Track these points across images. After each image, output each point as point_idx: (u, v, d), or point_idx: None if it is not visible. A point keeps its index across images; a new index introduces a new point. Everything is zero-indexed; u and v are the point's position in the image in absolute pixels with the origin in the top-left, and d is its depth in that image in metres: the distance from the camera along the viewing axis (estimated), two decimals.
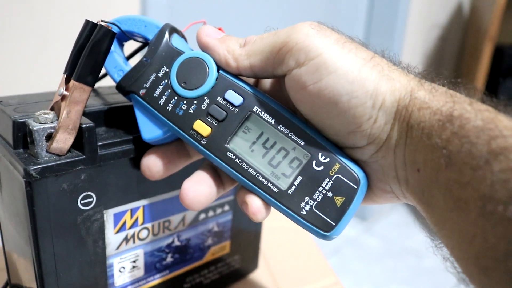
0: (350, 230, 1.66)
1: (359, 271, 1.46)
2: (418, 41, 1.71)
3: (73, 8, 0.83)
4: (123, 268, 0.32)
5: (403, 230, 1.71)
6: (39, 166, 0.24)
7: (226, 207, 0.38)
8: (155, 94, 0.27)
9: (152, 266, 0.34)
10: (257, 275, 0.44)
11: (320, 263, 0.49)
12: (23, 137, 0.27)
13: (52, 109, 0.27)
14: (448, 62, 1.95)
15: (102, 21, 0.26)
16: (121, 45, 0.30)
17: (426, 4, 1.67)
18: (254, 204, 0.25)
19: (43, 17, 0.80)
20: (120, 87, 0.28)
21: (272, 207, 0.26)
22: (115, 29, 0.29)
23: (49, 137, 0.26)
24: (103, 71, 0.30)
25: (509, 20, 1.76)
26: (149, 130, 0.27)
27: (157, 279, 0.35)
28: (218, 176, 0.27)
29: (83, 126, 0.26)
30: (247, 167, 0.25)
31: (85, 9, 0.85)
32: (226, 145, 0.26)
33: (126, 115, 0.30)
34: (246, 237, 0.41)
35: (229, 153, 0.26)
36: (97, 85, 0.34)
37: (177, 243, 0.35)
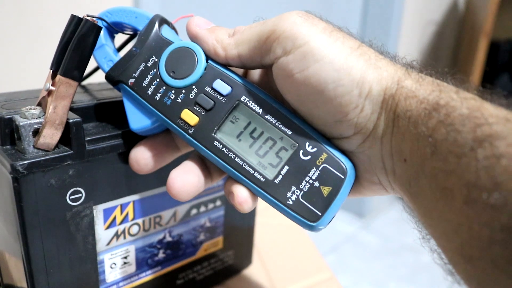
0: (348, 227, 1.66)
1: (358, 268, 1.46)
2: (414, 38, 1.71)
3: (63, 3, 0.83)
4: (114, 264, 0.32)
5: (401, 226, 1.71)
6: (26, 162, 0.24)
7: (218, 202, 0.38)
8: (143, 84, 0.27)
9: (143, 262, 0.34)
10: (251, 271, 0.44)
11: (315, 258, 0.49)
12: (10, 133, 0.26)
13: (39, 104, 0.27)
14: (444, 58, 1.95)
15: (87, 15, 0.26)
16: (112, 37, 0.30)
17: (421, 0, 1.67)
18: (240, 194, 0.25)
19: (32, 14, 0.80)
20: (109, 77, 0.27)
21: (259, 198, 0.26)
22: (102, 23, 0.28)
23: (36, 132, 0.25)
24: (94, 64, 0.30)
25: (504, 15, 1.76)
26: (137, 120, 0.27)
27: (149, 275, 0.35)
28: (206, 166, 0.27)
29: (70, 121, 0.26)
30: (234, 156, 0.25)
31: (76, 3, 0.84)
32: (213, 134, 0.26)
33: (115, 111, 0.30)
34: (239, 232, 0.41)
35: (216, 143, 0.26)
36: (86, 81, 0.34)
37: (168, 238, 0.35)
